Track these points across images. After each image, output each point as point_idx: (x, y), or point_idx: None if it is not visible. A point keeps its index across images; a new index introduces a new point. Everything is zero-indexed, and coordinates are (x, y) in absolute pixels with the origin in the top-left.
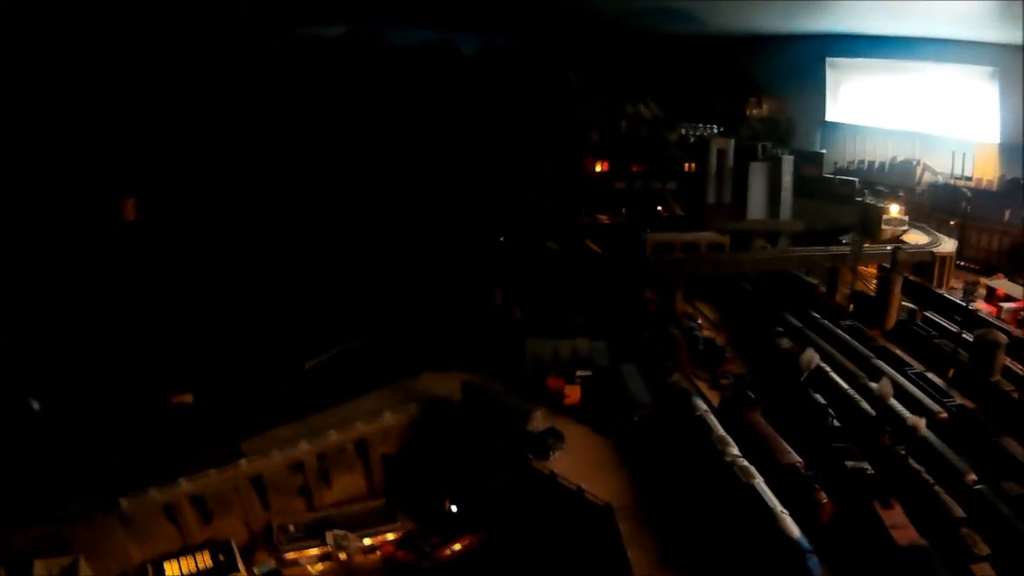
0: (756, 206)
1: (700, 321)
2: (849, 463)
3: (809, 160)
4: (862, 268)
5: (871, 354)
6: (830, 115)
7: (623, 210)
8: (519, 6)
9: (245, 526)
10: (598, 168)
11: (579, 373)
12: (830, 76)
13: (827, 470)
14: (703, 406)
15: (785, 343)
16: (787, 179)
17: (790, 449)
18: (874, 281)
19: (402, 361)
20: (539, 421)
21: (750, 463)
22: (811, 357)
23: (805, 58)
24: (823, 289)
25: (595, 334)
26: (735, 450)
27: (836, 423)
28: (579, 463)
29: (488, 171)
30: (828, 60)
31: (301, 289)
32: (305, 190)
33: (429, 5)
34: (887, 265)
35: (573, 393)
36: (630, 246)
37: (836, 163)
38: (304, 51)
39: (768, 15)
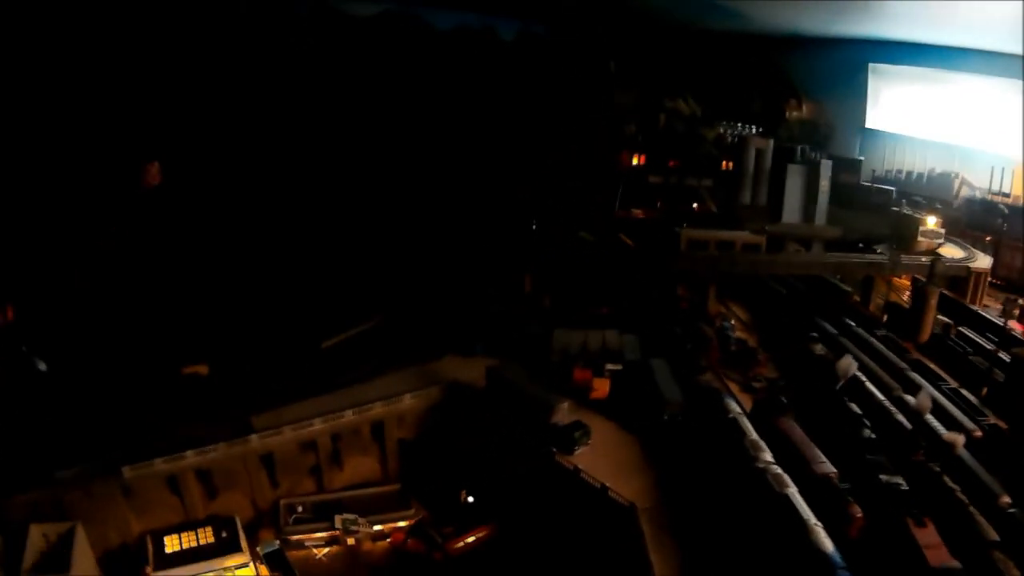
0: (791, 209)
1: (733, 322)
2: (883, 477)
3: (846, 167)
4: (895, 279)
5: (906, 366)
6: (870, 122)
7: (657, 205)
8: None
9: (251, 503)
10: (634, 161)
11: (608, 367)
12: (872, 82)
13: (860, 483)
14: (736, 408)
15: (819, 349)
16: (824, 184)
17: (824, 458)
18: (907, 293)
19: (425, 343)
20: (564, 414)
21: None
22: (848, 365)
23: (847, 62)
24: (856, 297)
25: (624, 327)
26: (768, 456)
27: (871, 434)
28: (604, 460)
29: (522, 157)
30: (871, 66)
31: (325, 265)
32: (333, 165)
33: None
34: (921, 277)
35: (601, 387)
36: (664, 241)
37: (874, 171)
38: (335, 26)
39: (812, 15)
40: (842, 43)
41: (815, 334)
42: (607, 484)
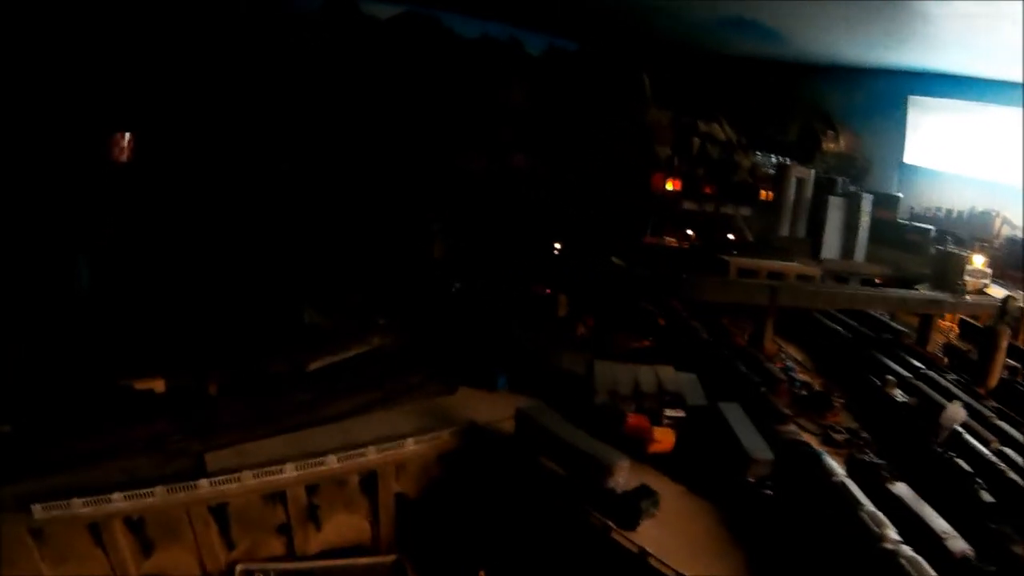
0: (831, 244)
1: (791, 363)
2: (1017, 550)
3: (884, 203)
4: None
5: (992, 414)
6: (908, 156)
7: (691, 233)
8: (591, 11)
9: (198, 565)
10: (669, 186)
11: (669, 413)
12: (911, 115)
13: (989, 559)
14: (839, 469)
15: (899, 394)
16: (865, 219)
17: (955, 532)
18: (952, 333)
19: (434, 372)
20: (624, 475)
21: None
22: (956, 413)
23: (886, 94)
24: (913, 337)
25: (671, 363)
26: (895, 534)
27: (988, 497)
28: (675, 537)
29: (548, 174)
30: (910, 98)
31: (319, 272)
32: (341, 165)
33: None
34: (971, 319)
35: (664, 438)
36: (708, 270)
37: (912, 208)
38: (353, 25)
39: (852, 42)
40: (881, 73)
41: (891, 377)
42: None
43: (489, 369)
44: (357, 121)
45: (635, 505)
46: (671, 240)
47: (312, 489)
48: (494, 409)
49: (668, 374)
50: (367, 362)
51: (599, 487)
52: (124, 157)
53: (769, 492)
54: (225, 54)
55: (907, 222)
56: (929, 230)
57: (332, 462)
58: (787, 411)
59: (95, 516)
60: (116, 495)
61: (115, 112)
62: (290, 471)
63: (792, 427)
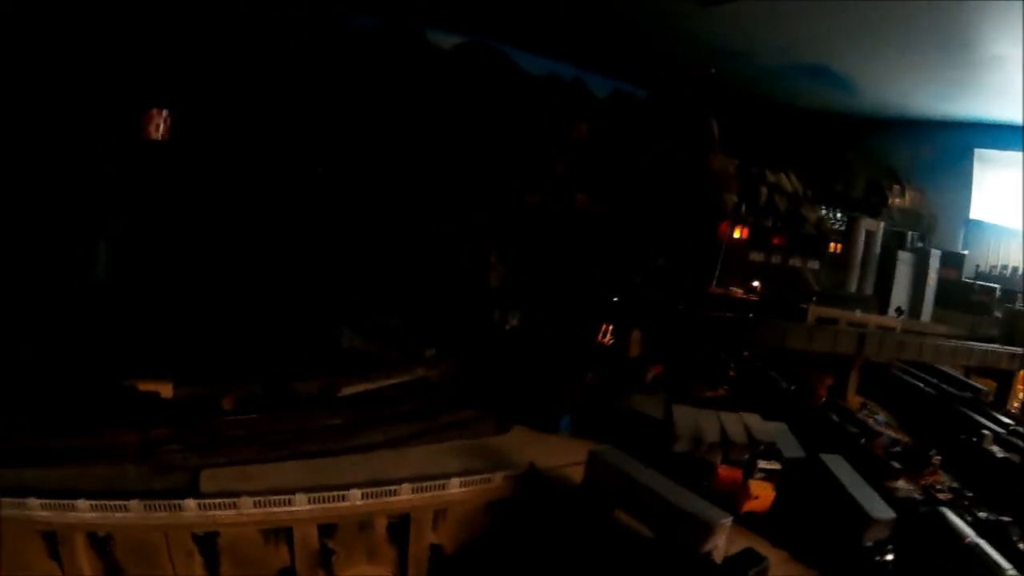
0: (898, 301)
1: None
2: None
3: (949, 261)
4: None
5: None
6: (974, 212)
7: (756, 285)
8: (658, 54)
9: None
10: (736, 234)
11: (763, 465)
12: (977, 169)
13: None
14: (970, 531)
15: (998, 450)
16: (933, 276)
17: None
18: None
19: (485, 408)
20: (724, 537)
21: None
22: None
23: (952, 148)
24: (990, 395)
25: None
26: None
27: None
28: None
29: (609, 216)
30: (976, 151)
31: (360, 293)
32: (390, 187)
33: (561, 37)
34: None
35: (763, 494)
36: (783, 318)
37: (977, 266)
38: (419, 55)
39: (921, 92)
40: (947, 126)
41: (986, 432)
42: None
43: (551, 408)
44: (412, 141)
45: (741, 573)
46: (737, 291)
47: (327, 530)
48: (553, 454)
49: (756, 422)
50: (409, 393)
51: (694, 551)
52: (160, 135)
53: (890, 558)
54: (277, 51)
55: (972, 281)
56: (995, 289)
57: (355, 498)
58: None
59: (54, 523)
60: (82, 503)
61: (154, 88)
62: (301, 503)
63: (902, 483)
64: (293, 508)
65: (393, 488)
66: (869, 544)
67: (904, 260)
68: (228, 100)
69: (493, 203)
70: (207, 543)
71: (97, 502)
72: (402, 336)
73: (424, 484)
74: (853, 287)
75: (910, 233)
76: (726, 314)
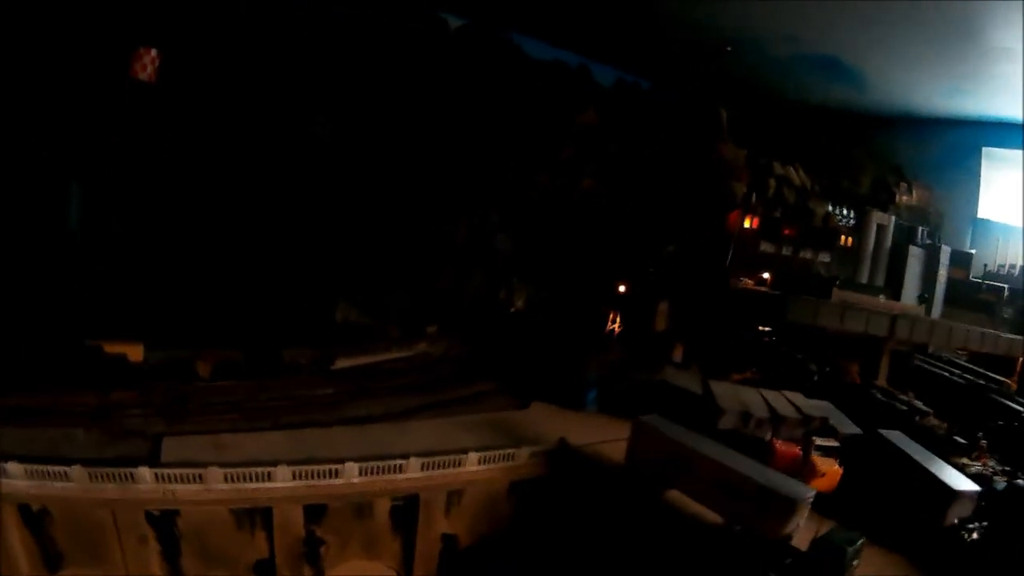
0: (909, 296)
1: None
2: None
3: (957, 260)
4: None
5: None
6: (982, 211)
7: (767, 277)
8: (665, 43)
9: None
10: (747, 223)
11: (820, 442)
12: (985, 168)
13: None
14: None
15: None
16: (943, 272)
17: None
18: None
19: (499, 383)
20: (805, 514)
21: None
22: None
23: (960, 145)
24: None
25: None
26: None
27: None
28: None
29: (617, 201)
30: (984, 150)
31: (356, 263)
32: (392, 155)
33: (566, 24)
34: None
35: (830, 471)
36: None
37: (985, 265)
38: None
39: (930, 86)
40: (955, 124)
41: None
42: None
43: (576, 382)
44: (418, 115)
45: (837, 556)
46: (747, 283)
47: (315, 513)
48: (582, 429)
49: (800, 400)
50: (412, 368)
51: (773, 535)
52: (148, 76)
53: (977, 537)
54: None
55: (980, 280)
56: (1002, 289)
57: (351, 474)
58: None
59: None
60: (14, 466)
61: (145, 25)
62: (283, 477)
63: (967, 460)
64: (273, 484)
65: (398, 463)
66: (953, 521)
67: (915, 255)
68: (229, 49)
69: (500, 183)
70: (164, 525)
71: (32, 467)
72: (402, 311)
73: (436, 459)
74: (864, 279)
75: (920, 228)
76: (757, 288)
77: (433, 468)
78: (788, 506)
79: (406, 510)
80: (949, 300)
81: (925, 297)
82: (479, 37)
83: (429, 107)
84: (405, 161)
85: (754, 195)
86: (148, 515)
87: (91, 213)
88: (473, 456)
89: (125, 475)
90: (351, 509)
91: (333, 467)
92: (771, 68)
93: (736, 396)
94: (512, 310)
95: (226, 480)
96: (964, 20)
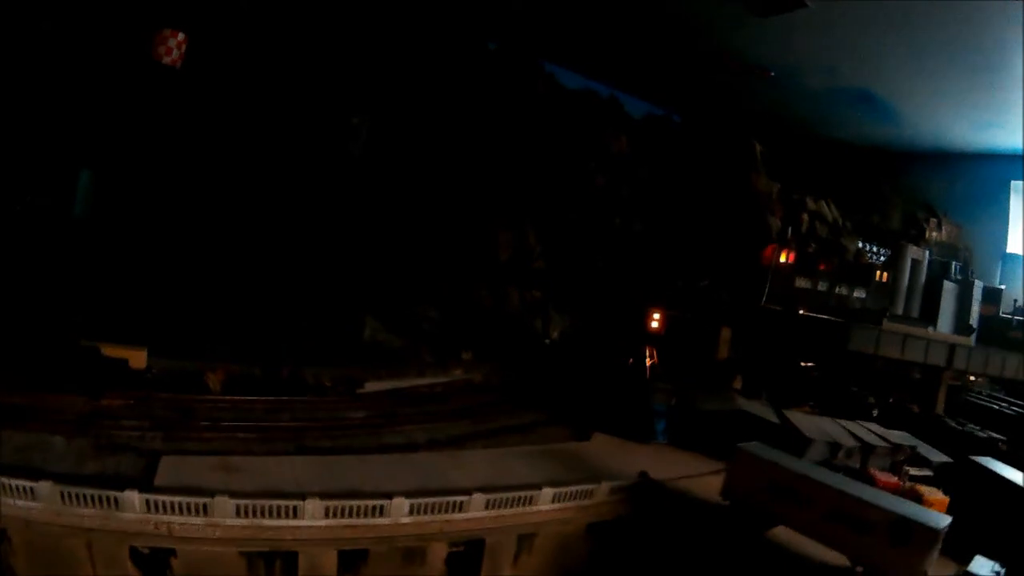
0: (945, 331)
1: None
2: None
3: (986, 296)
4: None
5: None
6: (1011, 246)
7: (801, 312)
8: (697, 76)
9: None
10: (783, 258)
11: (914, 472)
12: (1014, 201)
13: None
14: None
15: None
16: (975, 308)
17: None
18: None
19: (552, 414)
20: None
21: None
22: None
23: (989, 180)
24: None
25: None
26: None
27: None
28: None
29: (648, 232)
30: (1013, 184)
31: (386, 280)
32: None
33: (598, 54)
34: None
35: (937, 501)
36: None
37: (1016, 301)
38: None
39: (961, 120)
40: (985, 158)
41: None
42: None
43: (643, 411)
44: (453, 121)
45: None
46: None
47: (352, 559)
48: (656, 464)
49: (879, 429)
50: (451, 394)
51: (907, 572)
52: (172, 60)
53: None
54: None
55: (1011, 316)
56: None
57: (400, 511)
58: None
59: None
60: None
61: (172, 4)
62: (314, 512)
63: None
64: (300, 522)
65: (458, 500)
66: None
67: (949, 290)
68: (266, 39)
69: (536, 205)
70: (154, 567)
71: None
72: (433, 333)
73: (503, 496)
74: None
75: (953, 263)
76: (818, 315)
77: (500, 506)
78: (931, 537)
79: (466, 558)
80: (981, 336)
81: (972, 327)
82: (515, 60)
83: (468, 120)
84: (441, 173)
85: (789, 229)
86: (134, 552)
87: (100, 204)
88: (548, 492)
89: (107, 499)
90: (398, 555)
91: (377, 503)
92: (804, 101)
93: (818, 426)
94: (547, 341)
95: (238, 513)
96: (999, 50)
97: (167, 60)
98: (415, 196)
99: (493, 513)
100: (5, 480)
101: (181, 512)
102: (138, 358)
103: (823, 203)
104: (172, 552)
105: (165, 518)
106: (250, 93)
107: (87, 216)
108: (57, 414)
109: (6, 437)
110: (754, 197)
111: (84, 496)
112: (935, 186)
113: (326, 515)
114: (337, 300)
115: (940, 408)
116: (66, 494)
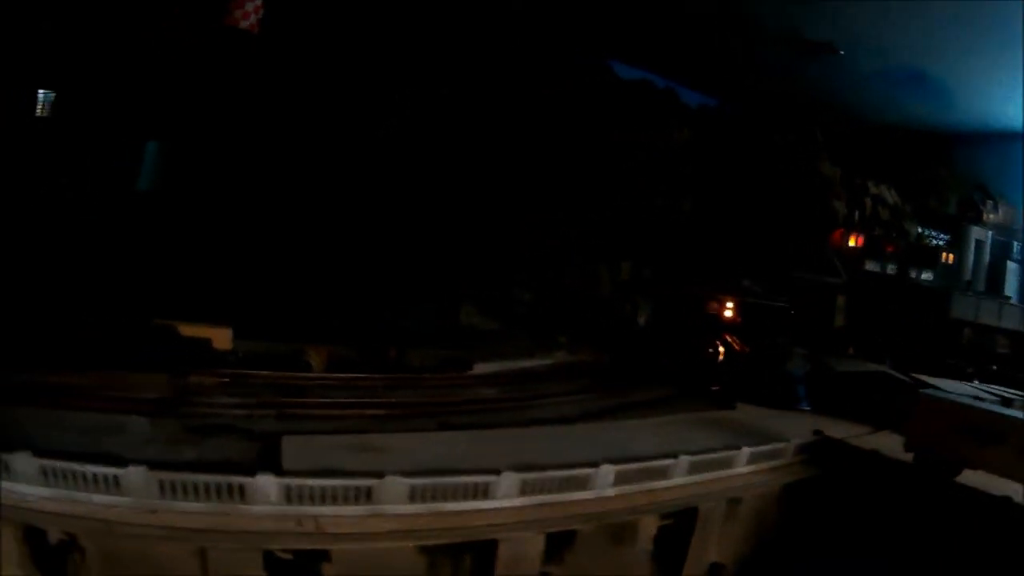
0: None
1: None
2: None
3: None
4: None
5: None
6: None
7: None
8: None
9: None
10: (852, 242)
11: None
12: None
13: None
14: None
15: None
16: None
17: None
18: None
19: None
20: None
21: None
22: None
23: None
24: None
25: None
26: None
27: None
28: None
29: (715, 220)
30: None
31: (480, 264)
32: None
33: (654, 49)
34: None
35: None
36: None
37: None
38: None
39: (1017, 99)
40: None
41: None
42: None
43: (783, 378)
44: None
45: None
46: None
47: (555, 545)
48: (814, 425)
49: (1004, 390)
50: (565, 374)
51: None
52: (250, 25)
53: None
54: None
55: None
56: None
57: (605, 481)
58: None
59: None
60: (23, 459)
61: None
62: (508, 490)
63: None
64: (492, 503)
65: (664, 463)
66: None
67: (1011, 270)
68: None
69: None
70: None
71: (54, 464)
72: (529, 316)
73: (706, 458)
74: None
75: (1015, 243)
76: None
77: (705, 470)
78: None
79: (675, 532)
80: None
81: None
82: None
83: (548, 110)
84: (532, 155)
85: (856, 213)
86: (270, 559)
87: (169, 178)
88: (744, 452)
89: (229, 488)
90: (606, 536)
91: (582, 473)
92: (857, 84)
93: (954, 387)
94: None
95: (412, 498)
96: None
97: (244, 24)
98: (510, 181)
99: (698, 478)
100: (76, 466)
101: (335, 501)
102: (222, 338)
103: (884, 187)
104: (325, 556)
105: (312, 510)
106: (334, 62)
107: (155, 190)
108: (133, 391)
109: (72, 417)
110: (820, 183)
111: (195, 485)
112: (989, 168)
113: (520, 492)
114: (432, 283)
115: None
116: (167, 483)
